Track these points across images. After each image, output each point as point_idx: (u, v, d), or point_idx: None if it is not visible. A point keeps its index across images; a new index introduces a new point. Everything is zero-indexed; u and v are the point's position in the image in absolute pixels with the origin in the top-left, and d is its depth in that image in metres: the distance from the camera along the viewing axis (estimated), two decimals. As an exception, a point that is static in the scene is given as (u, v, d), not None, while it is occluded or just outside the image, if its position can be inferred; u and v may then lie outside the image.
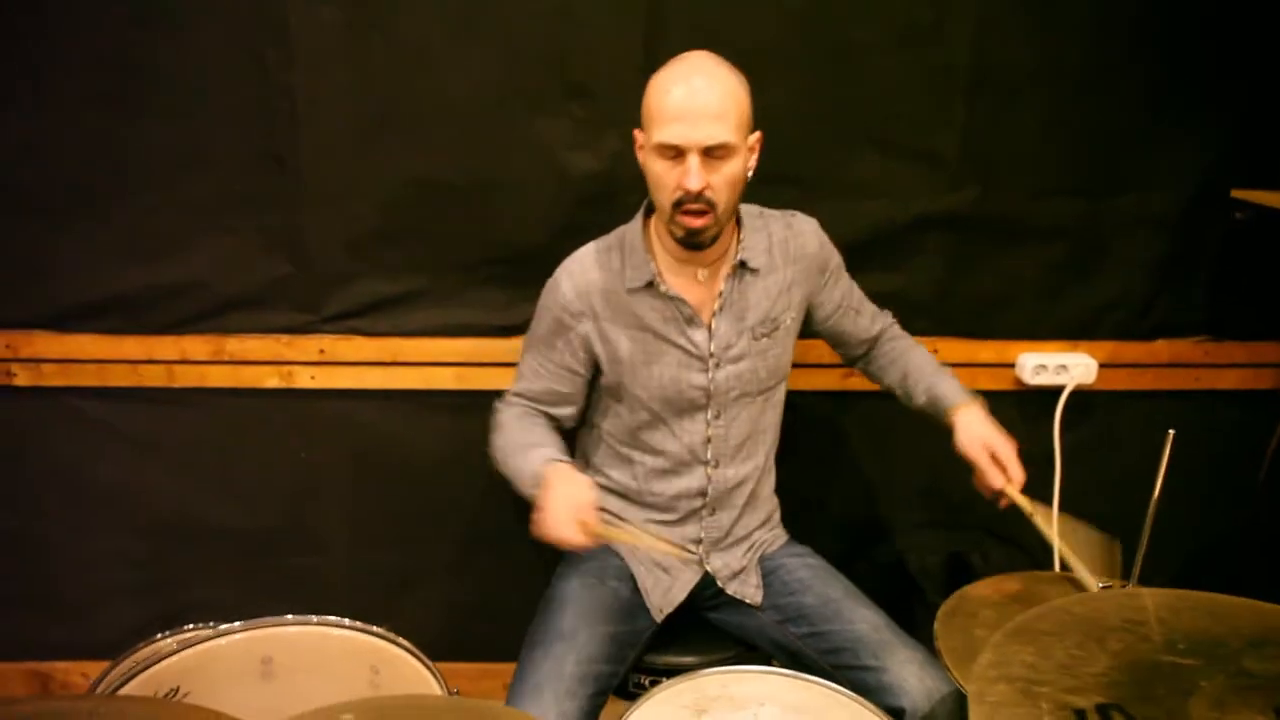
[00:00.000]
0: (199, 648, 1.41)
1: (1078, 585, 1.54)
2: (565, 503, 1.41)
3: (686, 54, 1.47)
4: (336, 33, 1.73)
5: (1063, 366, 1.98)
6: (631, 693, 1.61)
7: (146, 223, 1.82)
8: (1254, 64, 1.86)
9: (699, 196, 1.42)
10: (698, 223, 1.44)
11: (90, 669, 2.08)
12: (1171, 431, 1.32)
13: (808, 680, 1.46)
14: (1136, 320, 2.01)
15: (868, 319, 1.75)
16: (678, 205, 1.44)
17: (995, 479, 1.54)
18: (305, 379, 1.93)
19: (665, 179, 1.44)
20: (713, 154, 1.41)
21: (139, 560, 2.03)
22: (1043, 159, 1.88)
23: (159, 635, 1.72)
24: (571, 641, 1.51)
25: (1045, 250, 1.95)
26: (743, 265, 1.57)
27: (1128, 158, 1.89)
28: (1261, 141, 1.90)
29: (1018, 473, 1.54)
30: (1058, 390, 2.00)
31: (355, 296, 1.89)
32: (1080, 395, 2.01)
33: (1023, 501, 1.54)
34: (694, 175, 1.40)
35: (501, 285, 1.90)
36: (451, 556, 2.09)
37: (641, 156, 1.51)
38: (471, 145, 1.81)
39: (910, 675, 1.48)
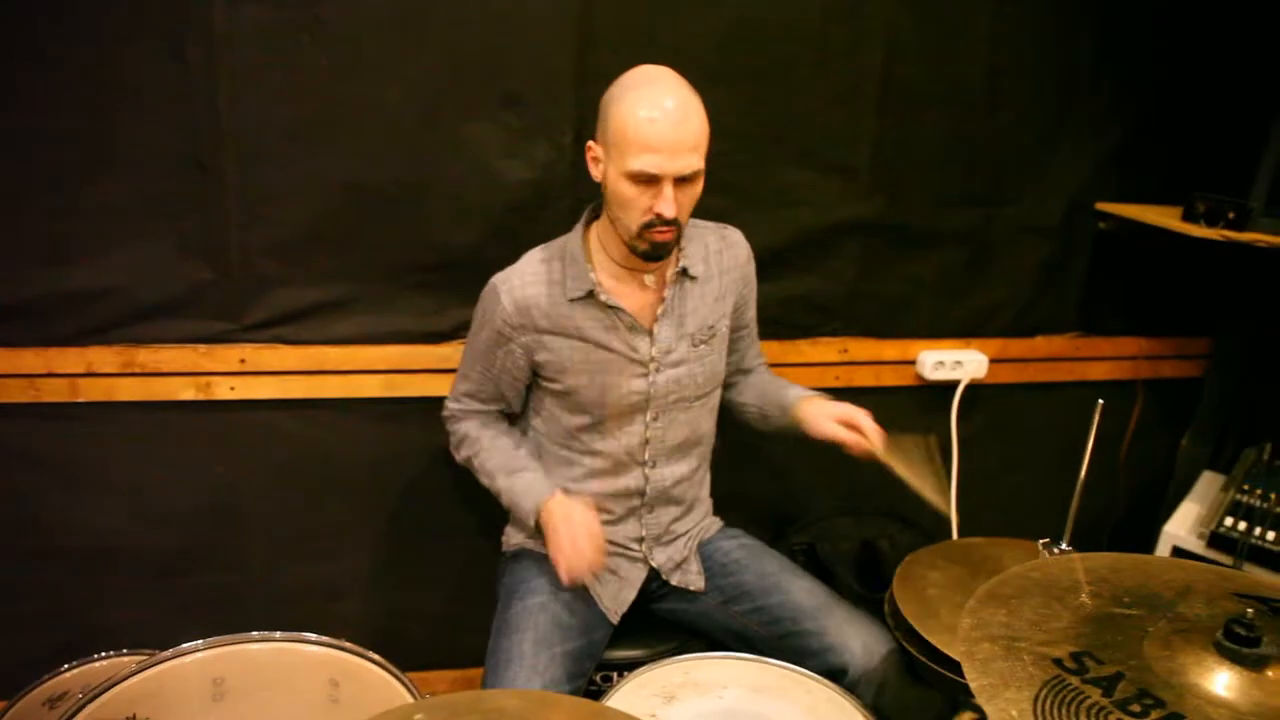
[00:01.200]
0: (150, 671, 1.34)
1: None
2: (581, 537, 1.53)
3: (648, 71, 1.47)
4: (263, 32, 1.67)
5: (958, 362, 2.17)
6: (590, 691, 1.64)
7: (50, 226, 1.69)
8: (1122, 99, 2.11)
9: (671, 220, 1.46)
10: (664, 238, 1.49)
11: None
12: (1101, 401, 1.46)
13: (763, 662, 1.55)
14: (1020, 319, 2.23)
15: (755, 352, 1.84)
16: (648, 226, 1.47)
17: (860, 444, 1.59)
18: (224, 390, 1.84)
19: (637, 202, 1.46)
20: (685, 180, 1.46)
21: (36, 590, 1.87)
22: (942, 172, 2.05)
23: (65, 666, 1.64)
24: (534, 669, 1.50)
25: (944, 255, 2.12)
26: (684, 272, 1.62)
27: (1015, 173, 2.10)
28: (1125, 162, 2.15)
29: (872, 428, 1.59)
30: (954, 384, 2.19)
31: (279, 304, 1.83)
32: (973, 388, 2.20)
33: (885, 458, 1.58)
34: (669, 203, 1.44)
35: (431, 291, 1.89)
36: (380, 567, 2.05)
37: (598, 170, 1.52)
38: (401, 151, 1.79)
39: (850, 635, 1.57)
